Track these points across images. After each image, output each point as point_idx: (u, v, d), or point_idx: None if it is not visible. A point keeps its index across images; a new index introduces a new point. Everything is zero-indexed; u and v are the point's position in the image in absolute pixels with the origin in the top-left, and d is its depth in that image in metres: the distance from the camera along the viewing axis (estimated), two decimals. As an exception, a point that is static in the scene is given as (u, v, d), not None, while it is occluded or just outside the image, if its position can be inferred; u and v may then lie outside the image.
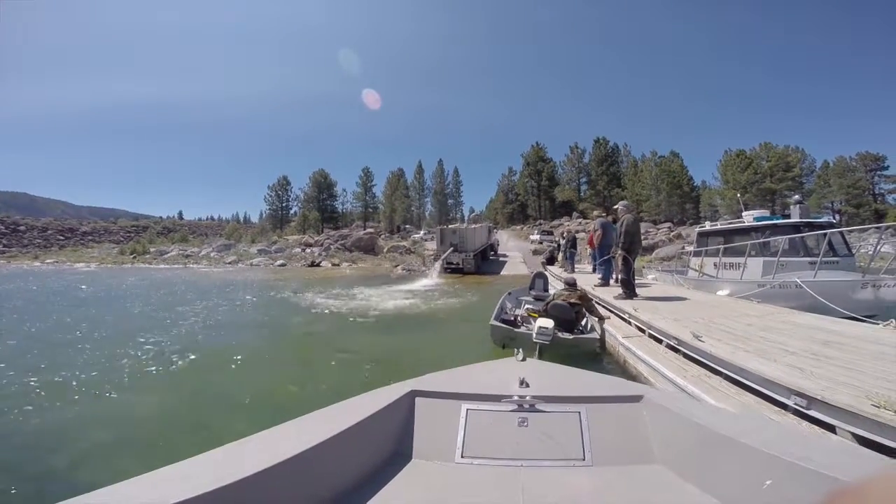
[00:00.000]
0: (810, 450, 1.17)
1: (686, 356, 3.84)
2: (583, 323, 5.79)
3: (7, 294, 15.12)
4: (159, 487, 0.97)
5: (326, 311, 9.96)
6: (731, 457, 1.28)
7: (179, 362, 5.68)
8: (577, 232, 22.80)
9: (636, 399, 1.70)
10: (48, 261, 38.03)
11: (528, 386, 1.75)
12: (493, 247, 30.08)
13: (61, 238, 63.53)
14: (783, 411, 2.57)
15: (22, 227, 63.87)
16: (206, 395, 4.58)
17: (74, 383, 4.79)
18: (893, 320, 4.37)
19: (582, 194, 60.18)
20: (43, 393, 4.50)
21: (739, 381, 3.02)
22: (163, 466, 1.08)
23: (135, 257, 36.67)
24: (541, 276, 9.39)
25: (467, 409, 1.65)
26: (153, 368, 5.43)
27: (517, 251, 33.02)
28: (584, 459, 1.48)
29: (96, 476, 2.72)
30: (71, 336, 7.35)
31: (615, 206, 7.57)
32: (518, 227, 55.65)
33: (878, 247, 7.49)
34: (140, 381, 4.97)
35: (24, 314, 10.09)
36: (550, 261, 17.00)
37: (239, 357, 5.93)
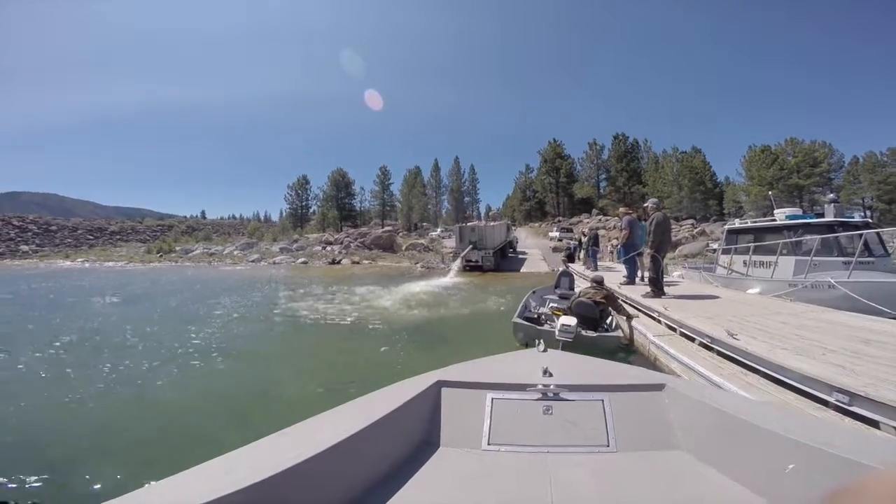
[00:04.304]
0: (831, 435, 1.20)
1: (720, 354, 3.87)
2: (608, 321, 5.79)
3: (54, 291, 15.79)
4: (203, 483, 1.02)
5: (352, 307, 10.16)
6: (752, 442, 1.31)
7: (219, 359, 5.95)
8: (598, 229, 22.59)
9: (658, 388, 1.74)
10: (79, 259, 39.30)
11: (551, 375, 1.80)
12: (511, 244, 29.98)
13: (91, 237, 65.48)
14: (824, 408, 2.60)
15: (53, 227, 65.98)
16: (248, 389, 4.79)
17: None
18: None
19: (601, 191, 59.44)
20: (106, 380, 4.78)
21: (778, 378, 3.05)
22: (205, 461, 1.14)
23: (161, 256, 37.66)
24: (566, 274, 9.36)
25: (492, 398, 1.70)
26: (197, 363, 5.71)
27: (536, 248, 32.89)
28: (608, 446, 1.53)
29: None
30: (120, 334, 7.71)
31: (644, 205, 7.56)
32: (536, 225, 55.29)
33: None
34: (189, 374, 5.24)
35: (76, 311, 10.56)
36: (570, 258, 16.93)
37: (274, 355, 6.18)
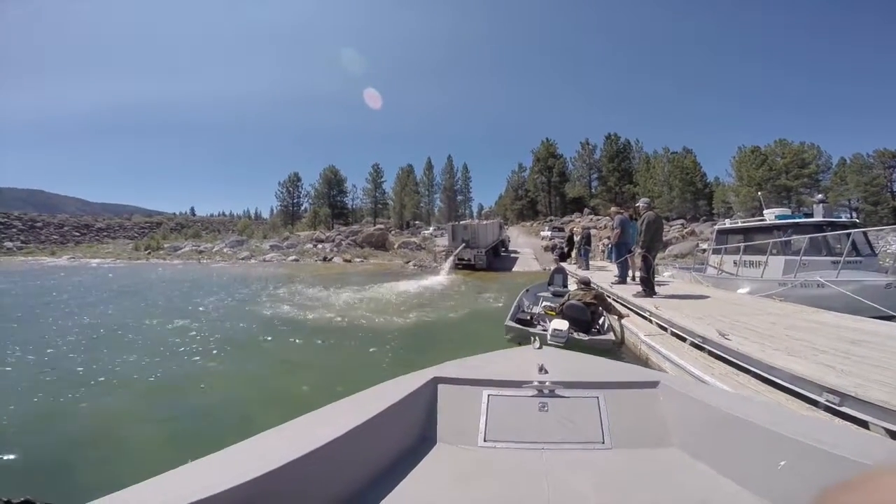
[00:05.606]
0: (822, 432, 1.22)
1: (712, 354, 3.87)
2: (600, 322, 5.79)
3: (49, 289, 15.50)
4: (202, 477, 1.01)
5: (342, 306, 10.08)
6: (745, 439, 1.32)
7: (207, 356, 5.87)
8: (590, 228, 22.68)
9: (652, 384, 1.75)
10: (65, 256, 38.65)
11: (546, 372, 1.79)
12: (504, 243, 29.99)
13: (77, 234, 64.50)
14: (815, 408, 2.60)
15: (39, 224, 64.87)
16: (235, 389, 4.72)
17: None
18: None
19: (593, 190, 59.69)
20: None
21: (769, 378, 3.05)
22: (204, 456, 1.13)
23: (149, 253, 37.14)
24: (560, 270, 9.37)
25: (488, 395, 1.70)
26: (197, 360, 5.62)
27: (528, 247, 32.92)
28: (603, 443, 1.53)
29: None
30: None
31: (636, 204, 7.58)
32: (528, 224, 55.40)
33: None
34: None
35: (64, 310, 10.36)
36: (562, 258, 16.98)
37: (262, 356, 6.12)
